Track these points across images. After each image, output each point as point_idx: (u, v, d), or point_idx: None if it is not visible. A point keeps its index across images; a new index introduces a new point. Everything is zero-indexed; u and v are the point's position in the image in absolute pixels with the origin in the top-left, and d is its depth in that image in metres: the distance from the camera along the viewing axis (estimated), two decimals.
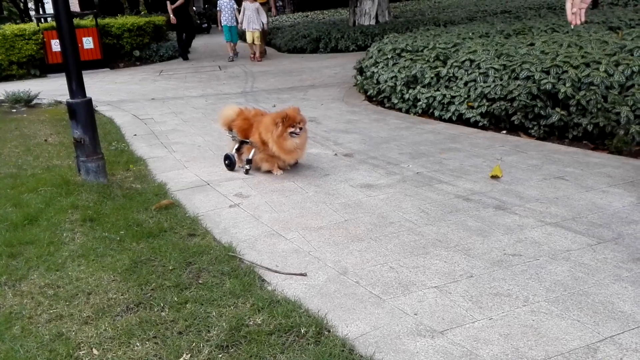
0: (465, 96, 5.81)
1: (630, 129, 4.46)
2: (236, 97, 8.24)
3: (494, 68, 5.65)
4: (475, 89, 5.68)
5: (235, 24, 13.40)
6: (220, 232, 3.35)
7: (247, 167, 4.50)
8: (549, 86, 4.96)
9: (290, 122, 4.14)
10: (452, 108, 5.88)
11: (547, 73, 5.10)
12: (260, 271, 2.85)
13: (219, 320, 2.42)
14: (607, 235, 3.05)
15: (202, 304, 2.55)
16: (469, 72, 5.91)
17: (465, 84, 5.87)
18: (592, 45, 5.70)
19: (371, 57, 7.60)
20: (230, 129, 4.66)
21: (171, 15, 13.45)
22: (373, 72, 7.26)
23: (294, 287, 2.69)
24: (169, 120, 6.73)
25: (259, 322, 2.39)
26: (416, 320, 2.37)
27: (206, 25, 13.80)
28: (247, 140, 4.48)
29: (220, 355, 2.20)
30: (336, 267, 2.86)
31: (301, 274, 2.80)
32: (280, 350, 2.21)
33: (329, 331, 2.31)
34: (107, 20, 14.30)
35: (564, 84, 4.88)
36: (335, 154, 4.92)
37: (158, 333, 2.36)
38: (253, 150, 4.44)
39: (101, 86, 10.22)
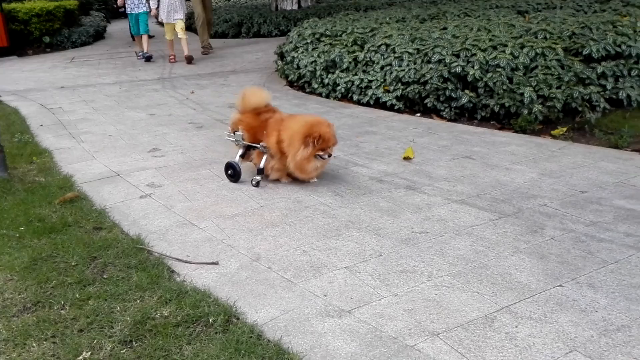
0: (382, 80, 5.91)
1: (533, 108, 4.70)
2: (153, 83, 7.96)
3: (408, 52, 5.78)
4: (391, 73, 5.79)
5: (145, 9, 10.29)
6: (129, 224, 3.23)
7: (258, 178, 3.73)
8: (458, 69, 5.13)
9: (324, 146, 3.48)
10: (370, 92, 5.97)
11: (457, 56, 5.28)
12: (170, 262, 2.78)
13: (123, 315, 2.33)
14: (508, 210, 3.20)
15: (106, 300, 2.45)
16: (385, 56, 6.01)
17: (382, 68, 5.97)
18: (500, 28, 5.95)
19: (291, 42, 7.56)
20: (234, 130, 3.85)
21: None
22: (293, 57, 7.23)
23: (204, 276, 2.64)
24: (78, 109, 6.40)
25: (166, 314, 2.33)
26: (325, 301, 2.40)
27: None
28: (257, 145, 3.74)
29: (124, 351, 2.13)
30: (249, 253, 2.84)
31: (213, 263, 2.76)
32: (187, 342, 2.16)
33: (237, 318, 2.29)
34: (13, 5, 13.33)
35: (473, 67, 5.07)
36: None
37: (57, 332, 2.24)
38: (265, 157, 3.70)
39: (7, 75, 9.55)
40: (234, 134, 3.85)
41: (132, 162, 4.37)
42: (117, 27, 17.77)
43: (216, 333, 2.20)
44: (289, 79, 7.40)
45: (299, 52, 7.17)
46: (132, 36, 11.69)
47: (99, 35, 15.39)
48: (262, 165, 3.70)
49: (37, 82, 8.59)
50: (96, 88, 7.78)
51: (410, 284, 2.50)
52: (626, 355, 2.00)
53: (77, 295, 2.48)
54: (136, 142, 4.94)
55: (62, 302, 2.44)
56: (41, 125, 5.66)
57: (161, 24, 10.92)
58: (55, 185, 3.85)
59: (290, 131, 3.52)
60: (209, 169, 4.12)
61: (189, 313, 2.32)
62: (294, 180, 3.77)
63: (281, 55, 7.87)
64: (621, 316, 2.22)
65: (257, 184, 3.73)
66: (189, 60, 9.66)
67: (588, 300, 2.33)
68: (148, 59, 10.37)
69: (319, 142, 3.44)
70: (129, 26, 10.88)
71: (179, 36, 9.76)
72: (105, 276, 2.66)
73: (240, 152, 3.84)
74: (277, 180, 3.74)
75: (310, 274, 2.62)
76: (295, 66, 7.13)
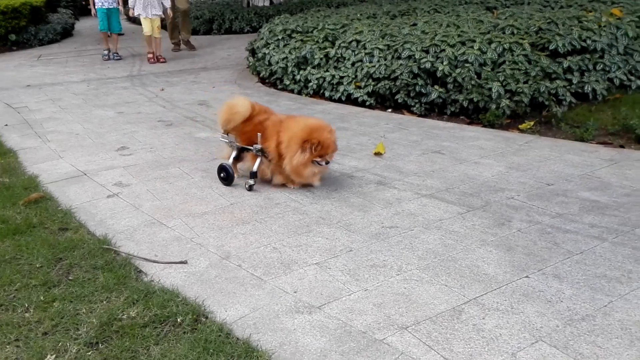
0: (353, 76, 5.91)
1: (501, 103, 4.77)
2: (122, 81, 7.83)
3: (378, 48, 5.79)
4: (362, 69, 5.80)
5: (115, 5, 9.75)
6: (95, 224, 3.17)
7: (251, 182, 3.55)
8: (428, 65, 5.17)
9: (322, 153, 3.33)
10: (341, 88, 5.97)
11: (427, 52, 5.31)
12: (138, 262, 2.74)
13: (88, 316, 2.29)
14: (476, 203, 3.24)
15: (72, 301, 2.40)
16: (356, 52, 6.01)
17: (353, 64, 5.97)
18: (469, 24, 6.01)
19: (262, 39, 7.52)
20: (226, 131, 3.69)
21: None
22: (264, 53, 7.19)
23: (173, 275, 2.61)
24: (45, 107, 6.25)
25: (133, 315, 2.30)
26: (295, 297, 2.39)
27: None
28: (251, 148, 3.56)
29: (90, 353, 2.09)
30: (219, 252, 2.82)
31: (181, 262, 2.72)
32: (155, 342, 2.13)
33: (206, 317, 2.27)
34: None
35: (442, 63, 5.11)
36: None
37: (20, 335, 2.19)
38: (259, 160, 3.54)
39: None
40: (227, 134, 3.67)
41: (99, 161, 4.29)
42: (85, 25, 17.43)
43: (184, 333, 2.18)
44: (261, 75, 7.36)
45: (270, 48, 7.13)
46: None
47: (66, 33, 15.07)
48: (255, 168, 3.52)
49: (2, 80, 8.37)
50: (63, 86, 7.61)
51: (380, 278, 2.51)
52: (590, 344, 2.04)
53: (42, 298, 2.43)
54: (104, 140, 4.85)
55: (26, 305, 2.38)
56: (6, 125, 5.51)
57: (131, 19, 10.13)
58: (20, 185, 3.75)
59: (289, 133, 3.36)
60: (179, 167, 4.07)
61: (156, 313, 2.29)
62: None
63: (252, 52, 7.82)
64: (586, 306, 2.26)
65: (250, 188, 3.56)
66: (153, 61, 9.32)
67: (554, 290, 2.37)
68: (118, 59, 9.90)
69: (317, 149, 3.28)
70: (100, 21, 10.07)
71: (154, 35, 9.19)
72: (70, 278, 2.61)
73: (234, 154, 3.66)
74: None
75: (280, 270, 2.62)
76: (267, 63, 7.09)
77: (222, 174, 3.68)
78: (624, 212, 3.05)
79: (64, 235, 3.03)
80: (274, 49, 7.06)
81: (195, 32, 13.55)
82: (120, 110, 6.03)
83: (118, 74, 8.43)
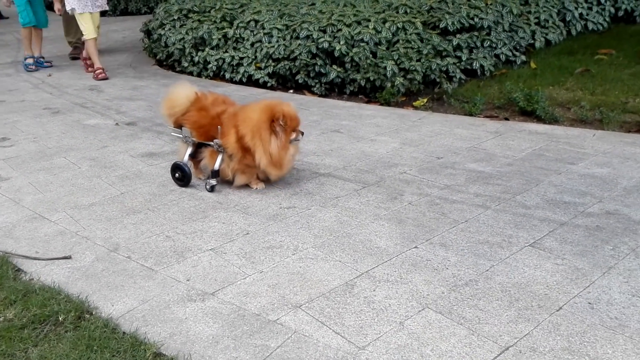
0: (253, 57, 5.81)
1: (395, 81, 4.88)
2: (5, 67, 7.20)
3: (277, 28, 5.72)
4: (261, 49, 5.71)
5: None
6: None
7: (213, 182, 3.22)
8: (326, 44, 5.18)
9: (294, 125, 3.08)
10: (242, 70, 5.86)
11: (324, 32, 5.32)
12: (16, 260, 2.55)
13: None
14: (371, 179, 3.32)
15: None
16: (255, 32, 5.91)
17: (252, 44, 5.87)
18: (365, 4, 6.08)
19: (157, 19, 7.20)
20: (179, 125, 3.28)
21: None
22: (160, 34, 6.89)
23: (55, 272, 2.45)
24: None
25: (11, 317, 2.14)
26: (188, 286, 2.33)
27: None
28: (209, 143, 3.18)
29: None
30: (106, 244, 2.68)
31: (65, 257, 2.56)
32: (34, 344, 2.00)
33: (91, 314, 2.16)
34: None
35: (339, 42, 5.14)
36: (117, 124, 4.59)
37: None
38: (220, 157, 3.18)
39: None
40: (180, 128, 3.26)
41: None
42: None
43: (66, 331, 2.05)
44: (158, 57, 7.06)
45: (166, 29, 6.84)
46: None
47: None
48: (217, 166, 3.17)
49: None
50: None
51: (275, 259, 2.50)
52: (473, 307, 2.15)
53: None
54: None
55: None
56: None
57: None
58: None
59: (250, 122, 3.01)
60: (64, 157, 3.82)
61: (36, 313, 2.14)
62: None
63: (148, 33, 7.48)
64: (469, 271, 2.38)
65: (212, 189, 3.23)
66: (103, 76, 6.34)
67: (440, 259, 2.48)
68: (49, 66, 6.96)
69: (288, 123, 3.02)
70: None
71: (90, 36, 6.28)
72: None
73: (189, 151, 3.25)
74: (247, 186, 3.24)
75: (173, 259, 2.53)
76: (163, 44, 6.81)
77: (176, 174, 3.30)
78: (506, 181, 3.25)
79: None
80: (170, 29, 6.78)
81: None
82: (2, 99, 5.55)
83: (1, 60, 7.75)
